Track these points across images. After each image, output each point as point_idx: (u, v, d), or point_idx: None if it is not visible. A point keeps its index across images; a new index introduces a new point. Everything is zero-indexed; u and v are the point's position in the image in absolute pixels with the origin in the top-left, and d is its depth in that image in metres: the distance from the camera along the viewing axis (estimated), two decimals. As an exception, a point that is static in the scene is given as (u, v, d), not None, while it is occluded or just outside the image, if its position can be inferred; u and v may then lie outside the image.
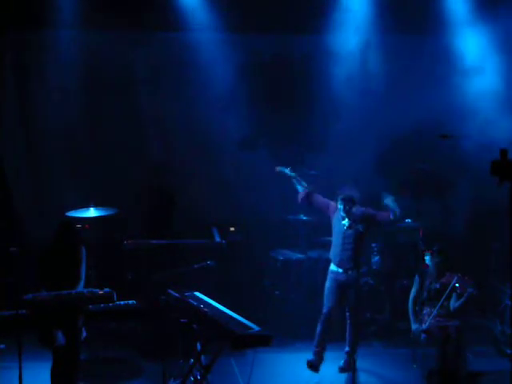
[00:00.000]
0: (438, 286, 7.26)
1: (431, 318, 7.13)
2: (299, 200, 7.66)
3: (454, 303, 7.15)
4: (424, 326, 7.17)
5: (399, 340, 8.23)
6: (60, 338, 6.07)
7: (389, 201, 7.40)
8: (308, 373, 7.23)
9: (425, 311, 7.27)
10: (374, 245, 8.84)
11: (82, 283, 6.42)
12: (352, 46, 9.34)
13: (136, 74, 9.53)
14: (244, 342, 5.41)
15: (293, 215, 9.20)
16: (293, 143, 10.05)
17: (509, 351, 7.65)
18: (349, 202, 7.30)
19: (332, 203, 7.49)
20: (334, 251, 7.42)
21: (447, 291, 7.09)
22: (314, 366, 7.24)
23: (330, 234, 7.64)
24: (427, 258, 7.43)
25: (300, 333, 8.15)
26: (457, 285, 7.03)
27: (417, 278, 7.44)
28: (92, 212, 8.09)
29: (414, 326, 7.31)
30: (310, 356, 7.29)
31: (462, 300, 7.06)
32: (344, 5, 9.20)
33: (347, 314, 7.49)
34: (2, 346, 7.33)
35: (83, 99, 9.31)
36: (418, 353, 7.37)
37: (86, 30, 8.91)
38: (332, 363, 7.36)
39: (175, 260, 8.39)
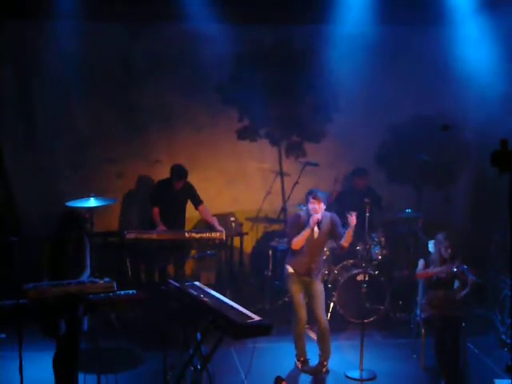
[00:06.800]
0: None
1: (426, 306, 7.16)
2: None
3: (457, 291, 7.13)
4: (423, 315, 7.19)
5: (399, 330, 8.24)
6: (62, 327, 6.08)
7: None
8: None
9: (424, 301, 7.27)
10: (373, 235, 8.83)
11: (86, 272, 6.41)
12: (352, 36, 9.30)
13: (136, 64, 9.50)
14: (244, 332, 5.41)
15: (292, 205, 9.19)
16: (293, 133, 10.04)
17: (509, 341, 7.66)
18: None
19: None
20: None
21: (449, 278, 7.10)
22: None
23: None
24: (430, 246, 7.39)
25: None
26: (454, 269, 7.02)
27: (421, 260, 7.34)
28: (92, 202, 8.08)
29: None
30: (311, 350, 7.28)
31: (466, 289, 7.03)
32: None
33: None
34: (3, 335, 7.34)
35: (83, 90, 9.29)
36: (417, 343, 7.37)
37: (86, 21, 8.86)
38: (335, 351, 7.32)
39: (176, 250, 8.41)
